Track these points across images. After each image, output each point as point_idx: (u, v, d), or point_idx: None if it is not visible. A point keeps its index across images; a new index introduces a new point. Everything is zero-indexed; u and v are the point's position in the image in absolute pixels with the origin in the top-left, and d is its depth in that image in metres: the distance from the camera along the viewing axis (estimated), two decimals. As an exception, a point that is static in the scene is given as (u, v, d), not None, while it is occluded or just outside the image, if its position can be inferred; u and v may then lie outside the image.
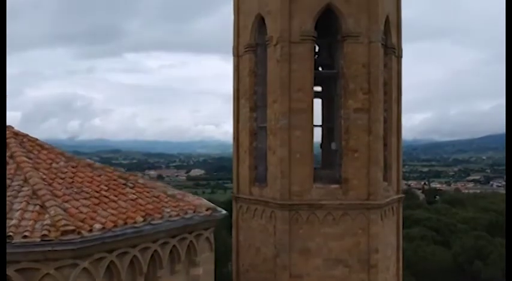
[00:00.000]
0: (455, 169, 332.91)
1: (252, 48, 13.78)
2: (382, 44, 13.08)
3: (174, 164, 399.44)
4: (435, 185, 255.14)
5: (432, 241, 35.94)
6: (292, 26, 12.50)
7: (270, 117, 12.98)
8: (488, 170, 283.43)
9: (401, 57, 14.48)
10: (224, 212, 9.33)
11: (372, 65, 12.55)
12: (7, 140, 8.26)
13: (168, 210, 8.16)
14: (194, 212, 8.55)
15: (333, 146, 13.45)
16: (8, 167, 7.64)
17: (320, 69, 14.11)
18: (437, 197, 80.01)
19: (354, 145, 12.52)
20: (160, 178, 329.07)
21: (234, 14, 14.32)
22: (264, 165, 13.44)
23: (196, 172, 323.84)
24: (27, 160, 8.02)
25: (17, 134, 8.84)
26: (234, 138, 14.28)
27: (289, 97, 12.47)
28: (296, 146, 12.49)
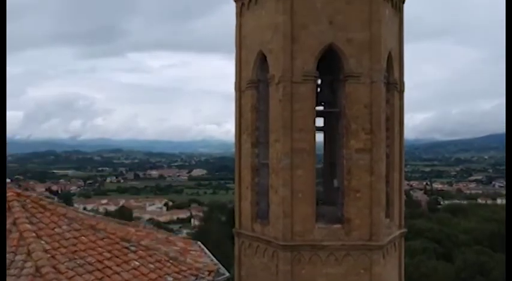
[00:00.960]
0: (457, 168, 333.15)
1: (254, 84, 13.80)
2: (384, 83, 13.10)
3: (175, 163, 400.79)
4: (437, 185, 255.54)
5: (434, 254, 36.00)
6: (294, 66, 12.51)
7: (272, 155, 13.01)
8: (491, 170, 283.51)
9: (403, 91, 14.49)
10: (227, 274, 9.32)
11: (374, 105, 12.56)
12: (10, 203, 8.29)
13: (171, 279, 8.17)
14: (196, 277, 8.56)
15: (335, 183, 13.48)
16: (11, 235, 7.66)
17: (322, 104, 14.13)
18: (440, 202, 79.72)
19: (356, 185, 12.55)
20: (162, 178, 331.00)
21: (236, 49, 14.33)
22: (266, 201, 13.48)
23: (198, 172, 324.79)
24: (30, 227, 8.03)
25: (19, 194, 8.87)
26: (236, 173, 14.34)
27: (291, 137, 12.49)
28: (298, 185, 12.51)
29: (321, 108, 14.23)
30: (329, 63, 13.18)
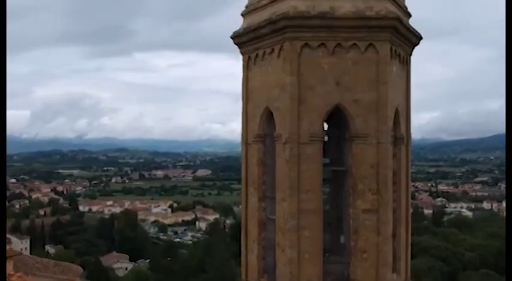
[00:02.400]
0: (463, 169, 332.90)
1: (260, 139, 13.79)
2: (391, 141, 13.07)
3: (180, 163, 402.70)
4: (442, 187, 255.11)
5: (440, 273, 35.97)
6: (300, 127, 12.49)
7: (279, 214, 13.00)
8: (496, 171, 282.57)
9: (410, 144, 14.45)
10: None
11: (381, 166, 12.52)
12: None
13: None
14: None
15: (342, 239, 13.47)
16: None
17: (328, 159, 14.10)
18: (445, 211, 79.26)
19: (363, 245, 12.53)
20: (167, 178, 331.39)
21: (243, 102, 14.31)
22: (273, 256, 13.48)
23: (202, 172, 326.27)
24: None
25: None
26: (243, 225, 14.33)
27: (298, 198, 12.47)
28: (305, 246, 12.50)
29: (326, 160, 14.20)
30: (336, 120, 13.17)
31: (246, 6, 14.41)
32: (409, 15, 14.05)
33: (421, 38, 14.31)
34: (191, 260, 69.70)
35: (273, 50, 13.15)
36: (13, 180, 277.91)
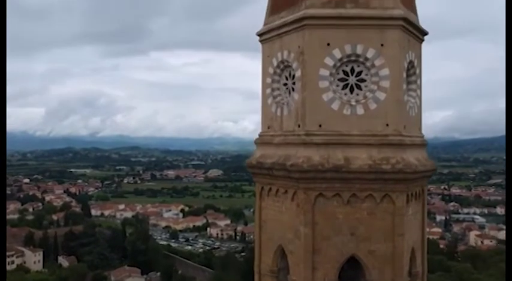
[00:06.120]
0: (476, 170, 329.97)
1: (274, 274, 13.65)
2: (407, 281, 12.85)
3: (192, 162, 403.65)
4: (455, 190, 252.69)
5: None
6: (315, 276, 12.26)
7: None
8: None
9: (425, 275, 14.22)
10: None
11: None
12: None
13: None
14: None
15: None
16: None
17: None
18: (457, 251, 76.85)
19: None
20: (178, 178, 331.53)
21: (256, 229, 14.18)
22: None
23: (214, 173, 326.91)
24: None
25: None
26: None
27: None
28: None
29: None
30: (350, 268, 12.97)
31: (260, 135, 14.26)
32: (425, 144, 13.84)
33: (433, 169, 14.07)
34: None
35: (286, 191, 12.97)
36: (27, 180, 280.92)
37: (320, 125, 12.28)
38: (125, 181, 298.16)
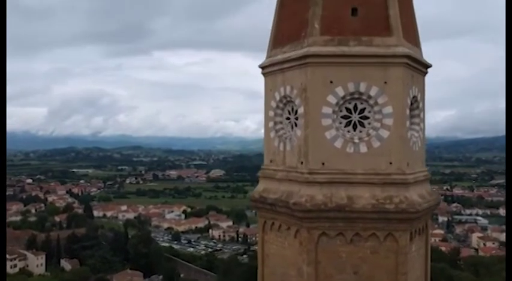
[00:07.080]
0: (478, 170, 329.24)
1: (277, 308, 13.61)
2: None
3: (194, 162, 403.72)
4: (457, 190, 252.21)
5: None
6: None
7: None
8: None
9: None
10: None
11: None
12: None
13: None
14: None
15: None
16: None
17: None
18: (460, 257, 76.39)
19: None
20: (180, 178, 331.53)
21: (259, 264, 14.13)
22: None
23: (216, 173, 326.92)
24: None
25: None
26: None
27: None
28: None
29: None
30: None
31: (262, 168, 14.18)
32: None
33: (437, 203, 13.96)
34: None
35: (289, 227, 12.90)
36: (29, 180, 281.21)
37: (323, 163, 12.18)
38: (127, 181, 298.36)
